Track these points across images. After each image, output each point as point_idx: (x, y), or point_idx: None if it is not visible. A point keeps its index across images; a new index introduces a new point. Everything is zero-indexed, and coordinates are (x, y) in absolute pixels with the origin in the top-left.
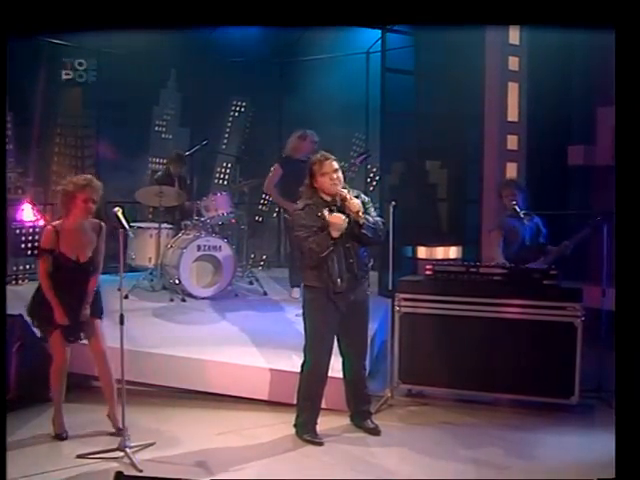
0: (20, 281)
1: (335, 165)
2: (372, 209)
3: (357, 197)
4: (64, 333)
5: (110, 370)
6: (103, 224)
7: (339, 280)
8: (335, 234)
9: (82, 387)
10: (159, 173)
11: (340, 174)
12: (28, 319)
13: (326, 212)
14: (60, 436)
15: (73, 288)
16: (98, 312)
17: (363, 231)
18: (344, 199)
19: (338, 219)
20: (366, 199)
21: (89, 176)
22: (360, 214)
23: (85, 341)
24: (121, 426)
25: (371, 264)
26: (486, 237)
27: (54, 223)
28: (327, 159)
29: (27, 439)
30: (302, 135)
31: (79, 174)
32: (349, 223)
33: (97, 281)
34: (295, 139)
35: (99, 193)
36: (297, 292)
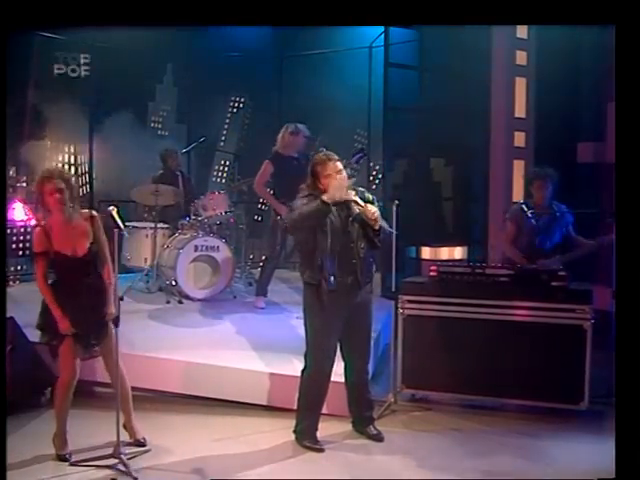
0: (11, 282)
1: (339, 166)
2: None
3: (362, 197)
4: (77, 343)
5: (126, 381)
6: (95, 213)
7: (332, 277)
8: (326, 197)
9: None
10: (160, 172)
11: (344, 174)
12: (37, 333)
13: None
14: (63, 457)
15: (80, 288)
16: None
17: (378, 236)
18: (358, 204)
19: (340, 180)
20: (371, 197)
21: (49, 167)
22: (378, 220)
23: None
24: (140, 437)
25: (375, 269)
26: (493, 233)
27: (42, 223)
28: (330, 160)
29: (18, 446)
30: (293, 130)
31: (63, 170)
32: (355, 220)
33: (113, 279)
34: (286, 135)
35: (66, 180)
36: (262, 302)
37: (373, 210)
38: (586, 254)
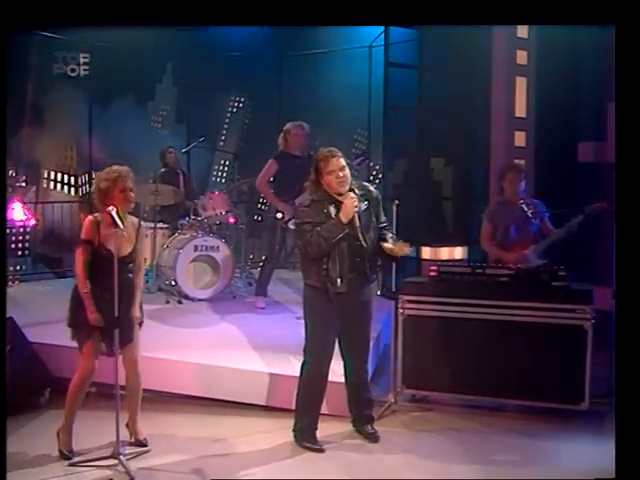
0: (10, 282)
1: (342, 162)
2: (380, 208)
3: (366, 193)
4: (102, 337)
5: (140, 380)
6: (142, 222)
7: (339, 280)
8: (344, 219)
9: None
10: (162, 170)
11: (347, 172)
12: (69, 330)
13: (332, 208)
14: (65, 454)
15: (112, 285)
16: (142, 317)
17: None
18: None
19: (350, 201)
20: (375, 193)
21: (118, 167)
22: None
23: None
24: (141, 438)
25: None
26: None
27: (95, 214)
28: (334, 156)
29: (16, 447)
30: (296, 129)
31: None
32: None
33: (142, 283)
34: (289, 133)
35: (133, 180)
36: (261, 302)
37: (407, 251)
38: (556, 241)
